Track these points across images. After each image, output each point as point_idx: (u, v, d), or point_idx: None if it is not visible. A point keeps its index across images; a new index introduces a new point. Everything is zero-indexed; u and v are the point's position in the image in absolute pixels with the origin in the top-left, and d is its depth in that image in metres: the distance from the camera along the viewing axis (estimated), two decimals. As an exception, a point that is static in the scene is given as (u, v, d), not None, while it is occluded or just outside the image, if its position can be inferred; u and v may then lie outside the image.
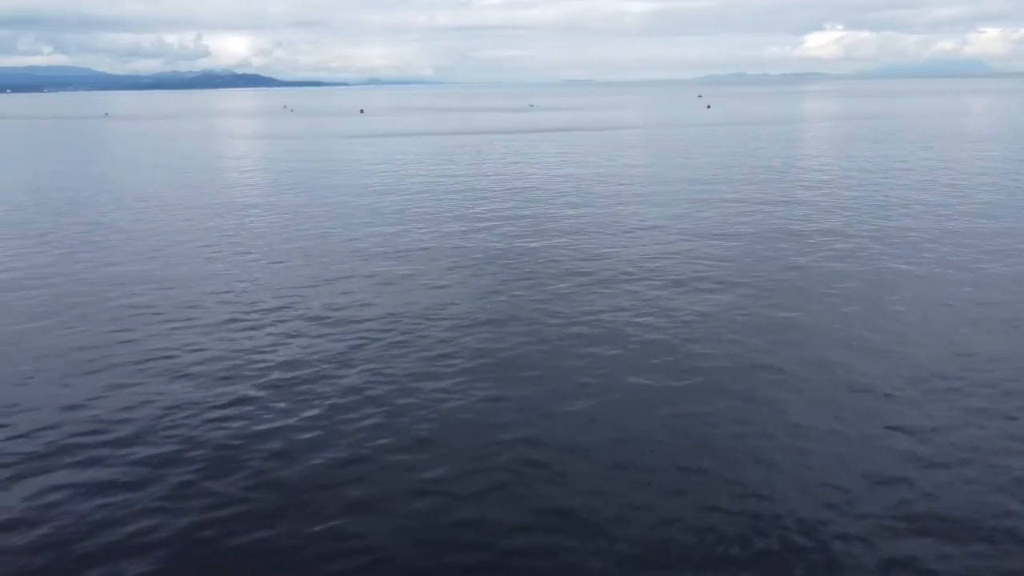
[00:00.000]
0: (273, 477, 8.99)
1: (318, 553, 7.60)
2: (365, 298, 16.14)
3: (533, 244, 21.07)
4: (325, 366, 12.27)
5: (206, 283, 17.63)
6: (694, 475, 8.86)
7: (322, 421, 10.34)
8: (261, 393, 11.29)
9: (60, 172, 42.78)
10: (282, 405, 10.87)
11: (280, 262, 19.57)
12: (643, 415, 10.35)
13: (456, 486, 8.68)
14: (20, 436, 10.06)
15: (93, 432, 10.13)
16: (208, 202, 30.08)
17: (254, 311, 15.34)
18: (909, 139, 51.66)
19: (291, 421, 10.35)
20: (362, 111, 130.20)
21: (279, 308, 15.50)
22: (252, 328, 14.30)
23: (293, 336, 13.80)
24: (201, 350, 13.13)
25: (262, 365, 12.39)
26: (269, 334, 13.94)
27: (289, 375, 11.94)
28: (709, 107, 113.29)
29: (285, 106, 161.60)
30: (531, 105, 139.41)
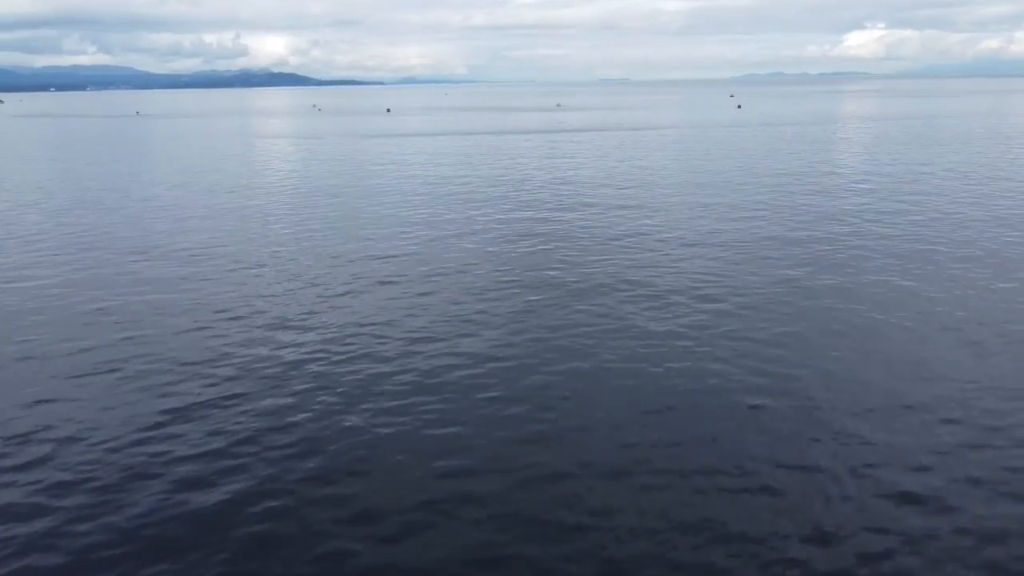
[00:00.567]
0: (190, 505, 8.08)
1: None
2: (344, 303, 15.26)
3: (520, 249, 20.05)
4: (313, 367, 11.37)
5: (182, 284, 16.90)
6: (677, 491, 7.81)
7: (310, 428, 9.43)
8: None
9: (59, 173, 42.71)
10: (283, 402, 9.97)
11: (258, 267, 18.79)
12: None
13: (451, 504, 7.68)
14: None
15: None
16: (206, 202, 29.57)
17: (239, 317, 14.53)
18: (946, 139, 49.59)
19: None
20: (389, 110, 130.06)
21: (247, 316, 14.67)
22: (262, 333, 13.47)
23: (253, 343, 12.93)
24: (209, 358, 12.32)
25: (286, 376, 11.52)
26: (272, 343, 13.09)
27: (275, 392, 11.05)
28: (740, 107, 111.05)
29: (314, 105, 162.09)
30: (558, 105, 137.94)
